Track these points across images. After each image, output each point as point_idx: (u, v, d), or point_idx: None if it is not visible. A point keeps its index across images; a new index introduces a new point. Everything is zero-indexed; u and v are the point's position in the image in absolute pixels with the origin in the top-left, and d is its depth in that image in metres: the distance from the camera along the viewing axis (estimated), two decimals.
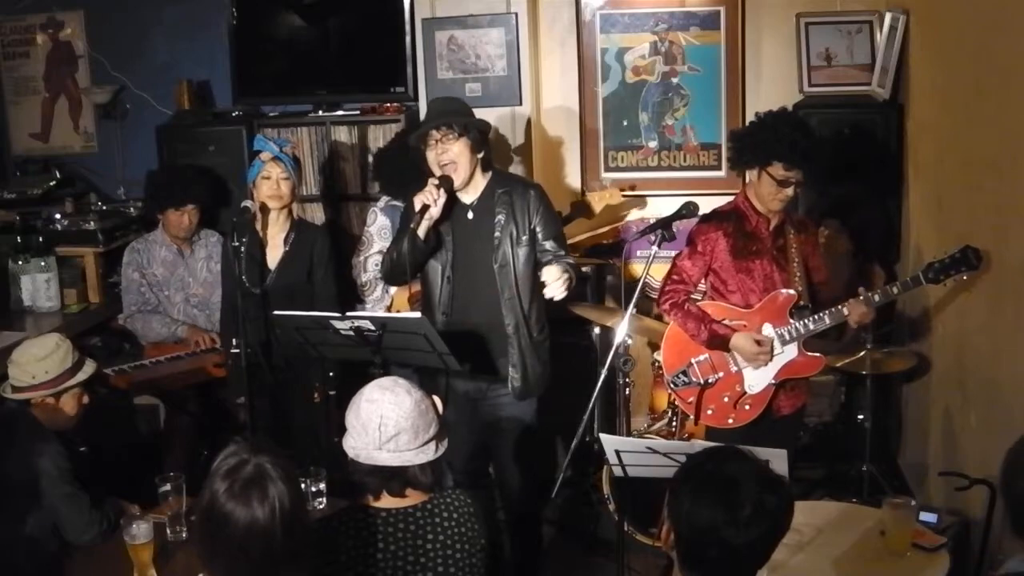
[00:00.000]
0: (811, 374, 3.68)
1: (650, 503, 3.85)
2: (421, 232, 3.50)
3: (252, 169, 4.06)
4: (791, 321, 3.60)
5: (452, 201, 3.58)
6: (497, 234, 3.59)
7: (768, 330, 3.61)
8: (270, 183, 4.00)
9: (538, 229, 3.61)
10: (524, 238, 3.60)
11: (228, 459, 2.13)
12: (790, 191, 3.57)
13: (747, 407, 3.67)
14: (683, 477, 2.15)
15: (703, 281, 3.78)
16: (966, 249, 3.43)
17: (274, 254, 4.06)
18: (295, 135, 5.26)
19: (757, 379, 3.65)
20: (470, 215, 3.63)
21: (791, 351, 3.62)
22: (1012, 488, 2.11)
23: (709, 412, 3.74)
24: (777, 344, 3.61)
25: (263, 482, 2.08)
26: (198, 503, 2.18)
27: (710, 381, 3.71)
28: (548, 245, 3.63)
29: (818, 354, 3.65)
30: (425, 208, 3.48)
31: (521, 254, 3.60)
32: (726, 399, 3.69)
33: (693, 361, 3.73)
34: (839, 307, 3.57)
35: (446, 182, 3.51)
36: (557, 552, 4.26)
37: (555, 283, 3.45)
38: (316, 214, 5.33)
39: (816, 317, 3.58)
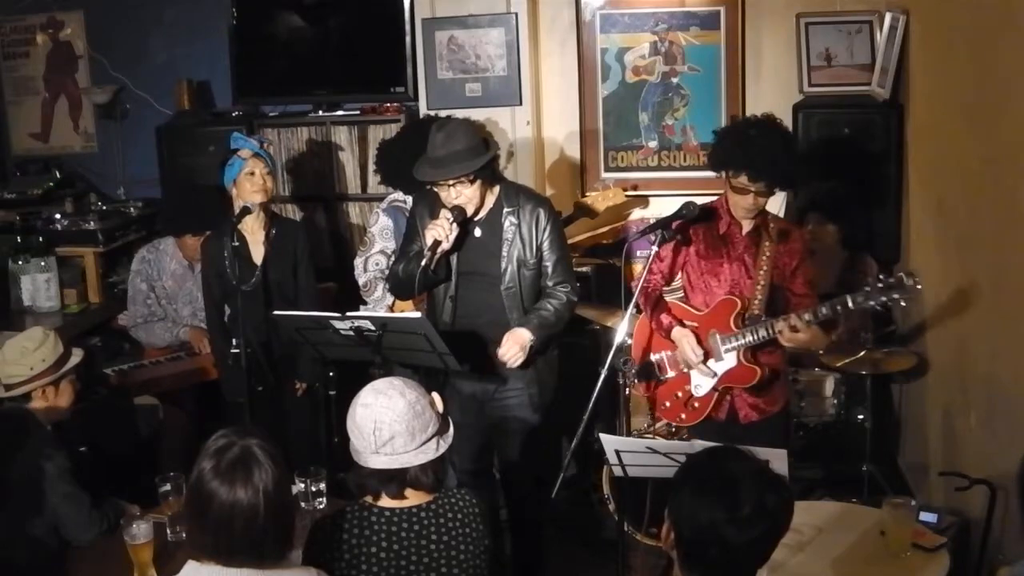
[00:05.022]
0: (746, 384, 3.58)
1: (650, 503, 3.89)
2: (432, 264, 3.49)
3: (231, 169, 4.02)
4: (734, 329, 3.55)
5: (463, 230, 3.54)
6: (504, 255, 3.57)
7: (714, 337, 3.58)
8: (255, 179, 4.00)
9: (544, 247, 3.59)
10: (531, 260, 3.58)
11: (217, 440, 2.21)
12: (749, 200, 3.47)
13: (695, 407, 3.67)
14: (683, 477, 2.16)
15: (679, 277, 3.75)
16: (902, 276, 3.26)
17: (258, 251, 4.08)
18: (295, 135, 5.27)
19: (701, 383, 3.64)
20: (477, 232, 3.60)
21: (731, 359, 3.57)
22: None
23: (665, 406, 3.77)
24: (721, 351, 3.57)
25: (248, 463, 2.15)
26: (187, 482, 2.24)
27: (663, 378, 3.74)
28: (549, 269, 3.61)
29: (754, 366, 3.55)
30: (437, 244, 3.46)
31: (528, 275, 3.59)
32: (678, 396, 3.71)
33: (652, 357, 3.76)
34: (772, 322, 3.44)
35: (459, 214, 3.48)
36: (557, 552, 4.25)
37: (513, 353, 3.48)
38: (316, 214, 5.34)
39: (753, 329, 3.49)
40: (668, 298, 3.75)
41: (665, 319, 3.65)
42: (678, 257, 3.68)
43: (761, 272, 3.52)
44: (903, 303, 3.29)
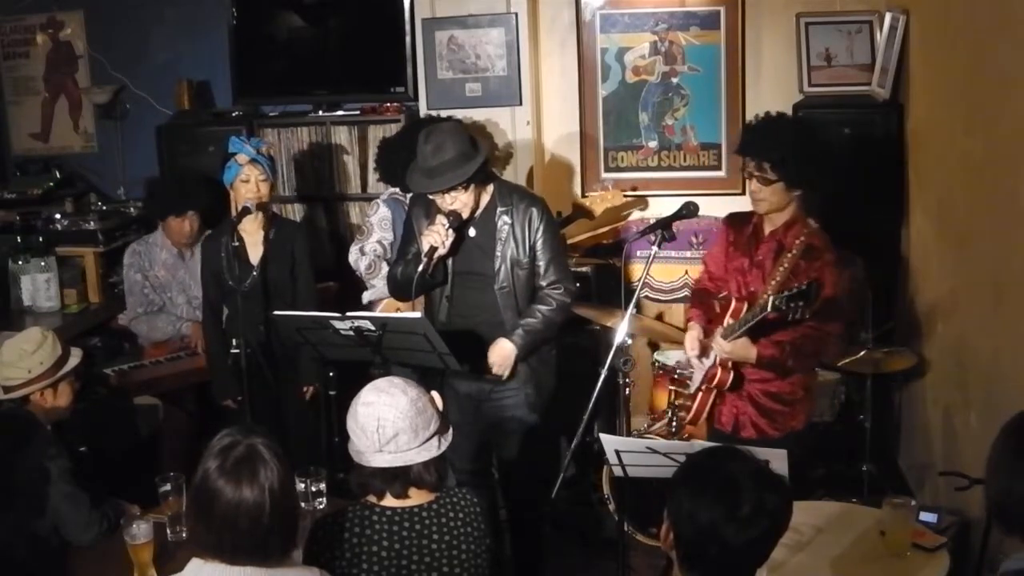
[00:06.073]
0: (711, 384, 3.54)
1: (650, 503, 3.89)
2: (429, 269, 3.50)
3: (229, 172, 4.07)
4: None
5: (459, 233, 3.55)
6: (498, 254, 3.58)
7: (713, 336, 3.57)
8: (249, 186, 4.04)
9: (538, 247, 3.59)
10: (525, 259, 3.58)
11: (222, 439, 2.21)
12: (753, 184, 3.47)
13: (689, 406, 3.68)
14: (683, 477, 2.16)
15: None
16: (811, 283, 3.23)
17: (255, 252, 4.10)
18: (295, 135, 5.27)
19: (694, 379, 3.67)
20: (472, 231, 3.61)
21: (713, 358, 3.57)
22: (992, 482, 2.10)
23: (679, 404, 3.84)
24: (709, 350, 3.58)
25: (253, 461, 2.15)
26: (192, 480, 2.24)
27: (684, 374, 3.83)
28: (542, 269, 3.61)
29: (718, 368, 3.53)
30: (433, 250, 3.47)
31: (522, 275, 3.59)
32: (688, 393, 3.75)
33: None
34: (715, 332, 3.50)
35: (455, 220, 3.49)
36: (557, 552, 4.26)
37: (498, 364, 3.54)
38: (317, 214, 5.34)
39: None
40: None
41: (687, 314, 3.69)
42: (720, 258, 3.68)
43: (773, 283, 3.45)
44: (807, 313, 3.25)
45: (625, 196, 5.02)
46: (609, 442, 3.04)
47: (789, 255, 3.44)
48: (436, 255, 3.48)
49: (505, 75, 5.04)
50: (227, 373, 4.06)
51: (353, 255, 4.42)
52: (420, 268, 3.46)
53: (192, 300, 4.77)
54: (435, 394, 2.58)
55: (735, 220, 3.67)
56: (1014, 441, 2.04)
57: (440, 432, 2.51)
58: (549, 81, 5.24)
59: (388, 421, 2.43)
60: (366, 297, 4.41)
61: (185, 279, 4.79)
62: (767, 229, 3.54)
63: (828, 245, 3.47)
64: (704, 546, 2.05)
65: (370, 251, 4.37)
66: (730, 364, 3.50)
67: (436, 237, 3.46)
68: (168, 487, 3.20)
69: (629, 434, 4.33)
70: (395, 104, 5.24)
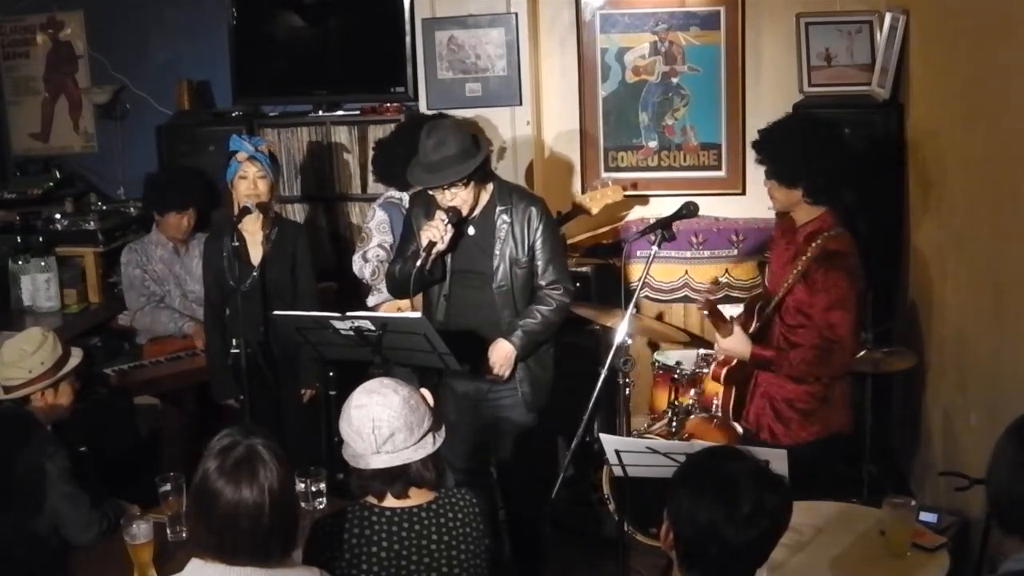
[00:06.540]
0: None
1: (650, 503, 3.88)
2: (427, 264, 3.50)
3: (229, 169, 4.09)
4: None
5: (458, 230, 3.56)
6: (496, 253, 3.58)
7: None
8: (247, 183, 4.04)
9: (537, 247, 3.60)
10: (523, 258, 3.59)
11: (222, 439, 2.21)
12: (767, 187, 3.54)
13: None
14: (682, 477, 2.16)
15: None
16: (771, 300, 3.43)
17: (256, 252, 4.10)
18: (295, 135, 5.27)
19: None
20: (471, 230, 3.62)
21: None
22: (993, 481, 2.10)
23: None
24: None
25: (253, 462, 2.16)
26: (192, 481, 2.24)
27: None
28: (541, 269, 3.61)
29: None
30: (432, 245, 3.47)
31: (520, 274, 3.60)
32: None
33: None
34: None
35: (455, 215, 3.49)
36: (557, 552, 4.26)
37: (498, 364, 3.56)
38: (317, 214, 5.34)
39: None
40: None
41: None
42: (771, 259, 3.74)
43: (784, 285, 3.46)
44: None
45: (625, 194, 5.02)
46: (609, 442, 3.04)
47: (803, 259, 3.46)
48: (435, 250, 3.49)
49: (505, 75, 5.04)
50: (227, 374, 4.06)
51: (357, 264, 4.42)
52: (418, 263, 3.47)
53: (188, 294, 4.79)
54: (425, 391, 2.59)
55: (779, 222, 3.71)
56: (1016, 441, 2.04)
57: (434, 429, 2.53)
58: (549, 81, 5.24)
59: (383, 421, 2.43)
60: (371, 301, 4.41)
61: (181, 273, 4.82)
62: (794, 231, 3.57)
63: (847, 252, 3.43)
64: (704, 546, 2.05)
65: (372, 257, 4.37)
66: (733, 361, 3.51)
67: (435, 232, 3.46)
68: (168, 487, 3.20)
69: (629, 434, 4.33)
70: (395, 104, 5.25)
